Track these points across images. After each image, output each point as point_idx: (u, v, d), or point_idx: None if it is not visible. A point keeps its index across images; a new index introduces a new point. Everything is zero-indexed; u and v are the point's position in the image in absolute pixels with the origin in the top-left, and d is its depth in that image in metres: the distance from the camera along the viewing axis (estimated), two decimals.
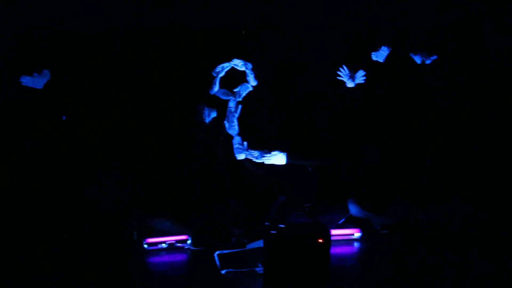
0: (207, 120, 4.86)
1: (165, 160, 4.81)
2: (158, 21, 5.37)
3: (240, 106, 4.89)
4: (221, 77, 4.97)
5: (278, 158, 4.65)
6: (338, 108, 4.98)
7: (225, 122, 4.84)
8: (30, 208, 4.38)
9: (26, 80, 4.60)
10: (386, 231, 4.49)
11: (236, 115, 4.84)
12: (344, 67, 4.90)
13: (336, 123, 4.94)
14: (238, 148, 4.74)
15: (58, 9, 5.15)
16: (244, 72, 4.97)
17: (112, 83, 5.08)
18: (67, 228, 4.33)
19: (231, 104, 4.89)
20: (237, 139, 4.77)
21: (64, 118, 4.74)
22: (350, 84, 4.94)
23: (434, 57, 4.88)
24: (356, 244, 4.29)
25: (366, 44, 5.20)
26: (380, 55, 4.96)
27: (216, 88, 4.98)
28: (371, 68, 5.00)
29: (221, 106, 4.93)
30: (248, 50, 5.18)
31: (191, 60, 5.26)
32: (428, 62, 4.89)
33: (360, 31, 5.37)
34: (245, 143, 4.75)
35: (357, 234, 4.36)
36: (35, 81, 4.61)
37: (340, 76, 4.94)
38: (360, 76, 4.91)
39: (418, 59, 4.91)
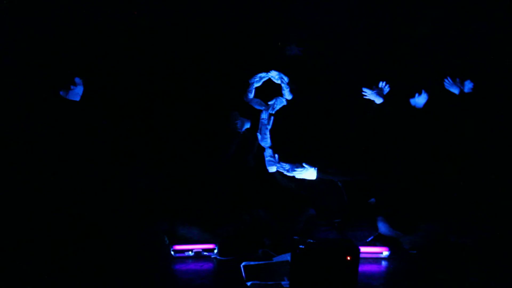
0: (241, 130, 4.88)
1: (196, 167, 4.83)
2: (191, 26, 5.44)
3: (272, 118, 4.91)
4: (257, 87, 5.01)
5: (308, 173, 4.64)
6: (369, 124, 4.95)
7: (258, 134, 4.85)
8: (59, 210, 4.44)
9: (68, 94, 4.68)
10: (415, 251, 4.42)
11: (269, 127, 4.86)
12: (365, 89, 4.86)
13: (367, 138, 4.90)
14: (269, 160, 4.75)
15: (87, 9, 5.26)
16: (279, 85, 5.00)
17: (148, 88, 5.15)
18: (93, 233, 4.39)
19: (264, 116, 4.91)
20: (268, 152, 4.78)
21: (104, 122, 4.81)
22: (378, 101, 4.90)
23: (470, 85, 4.82)
24: (384, 263, 4.23)
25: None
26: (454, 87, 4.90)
27: (251, 95, 5.01)
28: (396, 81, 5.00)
29: (254, 116, 4.96)
30: (284, 61, 5.19)
31: (227, 67, 5.29)
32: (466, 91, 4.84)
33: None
34: (276, 155, 4.76)
35: (385, 253, 4.30)
36: (73, 94, 4.69)
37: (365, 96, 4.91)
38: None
39: (455, 89, 4.86)
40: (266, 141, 4.83)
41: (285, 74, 4.99)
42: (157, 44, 5.36)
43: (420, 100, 4.91)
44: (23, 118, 4.61)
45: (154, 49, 5.34)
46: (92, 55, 5.17)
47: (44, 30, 5.13)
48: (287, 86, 4.98)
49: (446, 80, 4.90)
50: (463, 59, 5.29)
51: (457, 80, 4.88)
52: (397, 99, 4.93)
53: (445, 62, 5.30)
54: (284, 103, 5.01)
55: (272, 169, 4.73)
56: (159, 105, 5.08)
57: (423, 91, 4.88)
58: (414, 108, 4.93)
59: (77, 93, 4.65)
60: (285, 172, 4.69)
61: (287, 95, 5.01)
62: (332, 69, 5.35)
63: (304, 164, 4.65)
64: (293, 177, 4.68)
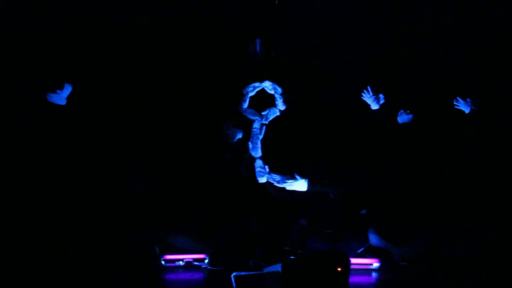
0: (234, 140, 4.88)
1: (189, 176, 4.82)
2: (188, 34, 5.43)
3: (264, 128, 4.92)
4: (251, 96, 5.02)
5: (299, 184, 4.64)
6: (361, 134, 4.96)
7: (249, 143, 4.86)
8: (58, 210, 4.41)
9: (51, 98, 4.66)
10: (405, 263, 4.43)
11: (260, 137, 4.87)
12: (369, 89, 4.84)
13: (359, 149, 4.91)
14: (259, 171, 4.75)
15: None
16: (273, 95, 5.02)
17: (143, 97, 5.14)
18: (85, 241, 4.36)
19: (256, 126, 4.92)
20: (259, 163, 4.79)
21: (98, 130, 4.79)
22: (374, 107, 4.92)
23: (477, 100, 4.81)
24: (374, 275, 4.24)
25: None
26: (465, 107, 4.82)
27: (245, 105, 5.02)
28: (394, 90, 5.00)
29: (247, 126, 4.96)
30: (278, 72, 5.19)
31: (227, 67, 5.29)
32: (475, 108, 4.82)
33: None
34: (266, 166, 4.77)
35: (375, 264, 4.31)
36: (59, 97, 4.67)
37: (363, 97, 4.91)
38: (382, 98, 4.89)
39: (466, 108, 4.82)
40: (256, 151, 4.83)
41: (285, 74, 5.00)
42: (157, 44, 5.35)
43: (405, 117, 4.91)
44: (23, 118, 4.62)
45: (154, 49, 5.32)
46: (92, 55, 5.16)
47: (43, 30, 5.12)
48: (281, 97, 5.00)
49: (455, 101, 4.83)
50: (463, 59, 5.29)
51: (468, 100, 4.77)
52: (392, 109, 4.94)
53: (445, 63, 5.31)
54: (278, 113, 5.03)
55: (262, 179, 4.74)
56: (159, 105, 5.07)
57: (410, 115, 4.88)
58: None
59: (62, 97, 4.65)
60: (276, 184, 4.70)
61: (281, 105, 5.03)
62: (332, 69, 5.35)
63: (295, 175, 4.65)
64: (284, 188, 4.68)
